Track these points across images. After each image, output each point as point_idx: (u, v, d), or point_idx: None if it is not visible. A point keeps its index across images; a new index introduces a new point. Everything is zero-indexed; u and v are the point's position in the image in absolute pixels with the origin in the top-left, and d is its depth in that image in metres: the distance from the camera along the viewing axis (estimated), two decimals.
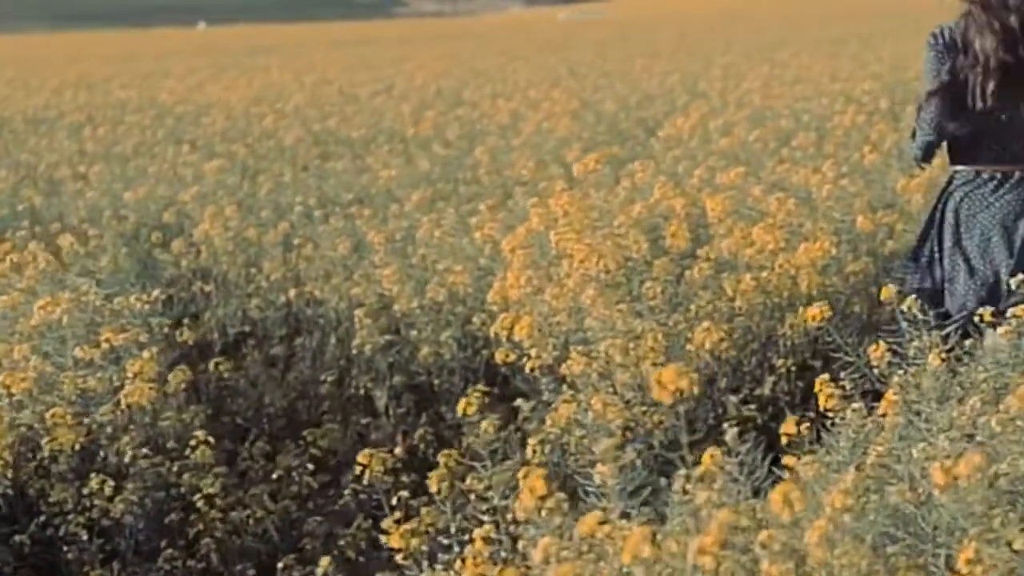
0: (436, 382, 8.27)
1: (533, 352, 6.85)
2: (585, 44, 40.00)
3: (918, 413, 5.26)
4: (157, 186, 11.63)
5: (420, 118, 16.32)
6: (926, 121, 5.64)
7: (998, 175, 5.63)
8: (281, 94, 21.25)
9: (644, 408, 6.53)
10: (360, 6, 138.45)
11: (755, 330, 7.25)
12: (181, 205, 11.08)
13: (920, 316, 5.21)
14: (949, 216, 5.76)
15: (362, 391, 8.37)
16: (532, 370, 6.62)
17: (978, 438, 4.71)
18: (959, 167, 5.72)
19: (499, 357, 6.97)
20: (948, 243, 5.78)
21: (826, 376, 5.54)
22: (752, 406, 6.97)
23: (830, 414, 5.20)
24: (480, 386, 8.01)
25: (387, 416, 8.25)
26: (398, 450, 7.77)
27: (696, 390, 6.70)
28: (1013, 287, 5.25)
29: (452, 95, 19.90)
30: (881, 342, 5.38)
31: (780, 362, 7.23)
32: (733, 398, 7.07)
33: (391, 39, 53.65)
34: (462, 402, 7.18)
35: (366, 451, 5.20)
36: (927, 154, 5.72)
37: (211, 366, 8.53)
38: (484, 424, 7.00)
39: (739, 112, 13.98)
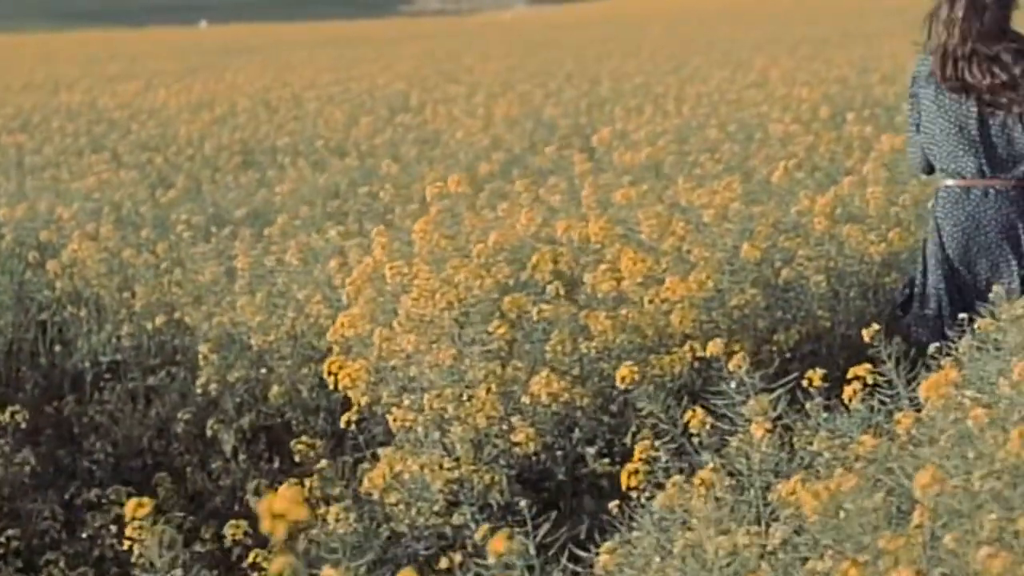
0: (293, 423, 7.61)
1: (363, 400, 6.18)
2: (567, 44, 39.28)
3: (742, 491, 4.61)
4: (39, 201, 10.91)
5: (354, 124, 15.61)
6: (912, 152, 6.47)
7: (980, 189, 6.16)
8: (229, 98, 20.54)
9: (476, 467, 5.83)
10: (366, 5, 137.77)
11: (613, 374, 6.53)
12: (62, 222, 10.38)
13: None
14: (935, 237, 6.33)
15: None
16: (348, 424, 5.94)
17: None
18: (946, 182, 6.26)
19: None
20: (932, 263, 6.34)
21: (646, 443, 4.88)
22: (607, 460, 6.26)
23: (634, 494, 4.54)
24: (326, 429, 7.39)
25: (235, 460, 7.58)
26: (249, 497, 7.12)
27: (534, 445, 6.06)
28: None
29: (400, 99, 19.18)
30: (699, 408, 4.71)
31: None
32: (590, 450, 6.36)
33: (383, 38, 52.97)
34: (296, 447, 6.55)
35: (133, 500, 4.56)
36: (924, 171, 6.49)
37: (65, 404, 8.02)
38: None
39: (666, 121, 13.23)
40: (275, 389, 7.49)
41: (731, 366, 4.71)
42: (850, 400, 4.69)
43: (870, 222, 8.36)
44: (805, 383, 4.83)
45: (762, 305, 7.35)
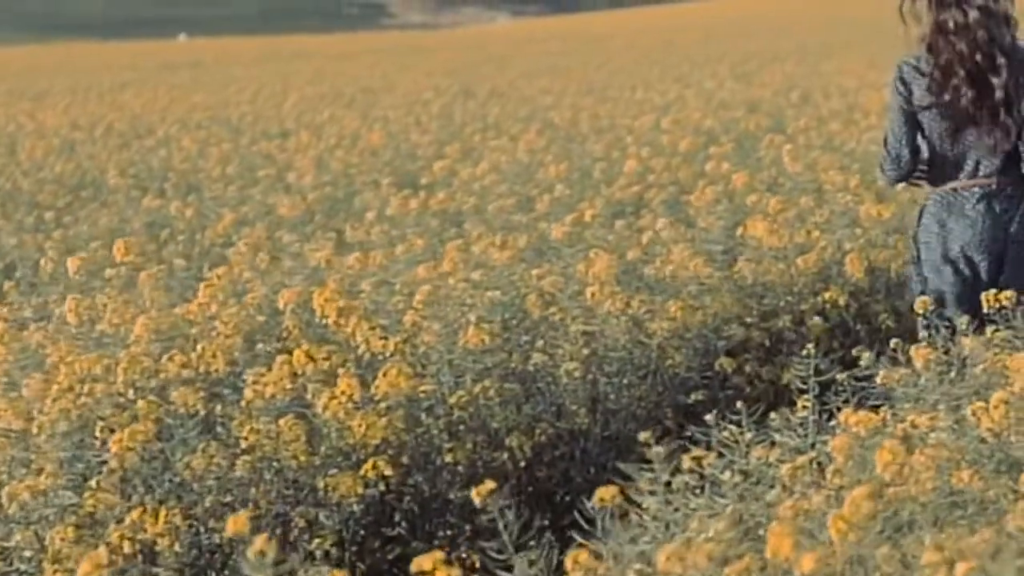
0: None
1: None
2: (527, 56, 38.07)
3: None
4: None
5: (204, 155, 14.23)
6: (893, 149, 5.97)
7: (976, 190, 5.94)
8: (105, 118, 19.24)
9: None
10: (348, 17, 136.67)
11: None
12: None
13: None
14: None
15: None
16: None
17: None
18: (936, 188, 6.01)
19: None
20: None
21: None
22: None
23: None
24: None
25: None
26: None
27: None
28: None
29: (276, 125, 17.80)
30: None
31: None
32: None
33: (339, 53, 51.77)
34: None
35: None
36: (899, 178, 6.06)
37: None
38: None
39: (507, 156, 11.78)
40: None
41: None
42: None
43: (664, 289, 6.99)
44: None
45: (496, 401, 5.96)
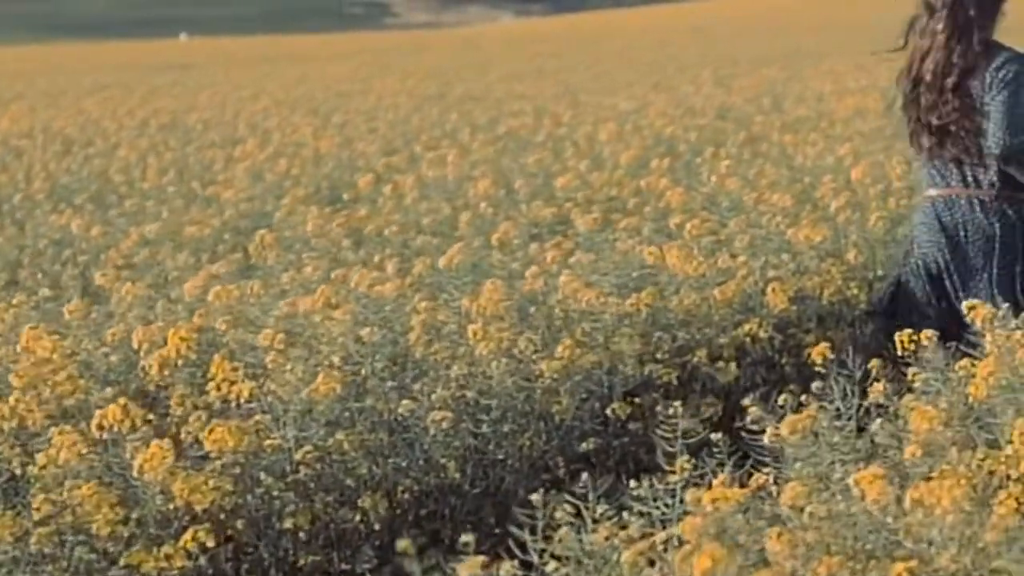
0: None
1: None
2: (517, 58, 37.52)
3: None
4: None
5: (142, 164, 13.63)
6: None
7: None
8: (55, 124, 18.66)
9: None
10: (351, 17, 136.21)
11: None
12: None
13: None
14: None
15: None
16: None
17: None
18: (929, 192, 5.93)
19: None
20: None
21: None
22: None
23: None
24: None
25: None
26: None
27: None
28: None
29: (230, 131, 17.18)
30: None
31: None
32: None
33: (331, 54, 51.25)
34: None
35: None
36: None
37: None
38: None
39: (438, 171, 11.10)
40: None
41: None
42: None
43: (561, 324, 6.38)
44: None
45: (353, 455, 5.37)
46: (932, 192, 5.95)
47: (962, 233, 5.94)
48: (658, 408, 6.69)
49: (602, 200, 9.29)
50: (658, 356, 6.70)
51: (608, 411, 6.12)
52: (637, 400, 6.61)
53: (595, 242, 7.88)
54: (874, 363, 5.56)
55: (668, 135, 13.74)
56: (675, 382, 6.68)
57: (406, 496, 5.53)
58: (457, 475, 5.64)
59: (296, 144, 15.25)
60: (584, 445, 6.03)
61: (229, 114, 20.43)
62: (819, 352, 5.34)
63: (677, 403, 4.71)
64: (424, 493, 5.60)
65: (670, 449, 4.64)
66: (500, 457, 5.84)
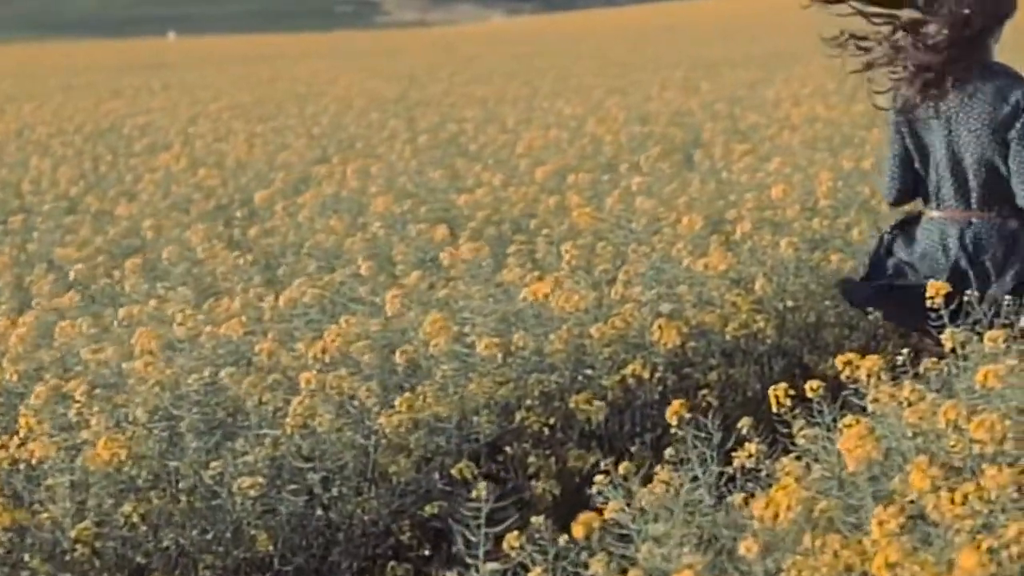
0: None
1: None
2: (493, 58, 36.80)
3: None
4: None
5: (52, 176, 12.92)
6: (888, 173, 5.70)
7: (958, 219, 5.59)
8: None
9: None
10: (340, 15, 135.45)
11: None
12: None
13: None
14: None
15: None
16: None
17: None
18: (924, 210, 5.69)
19: None
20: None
21: None
22: None
23: None
24: None
25: None
26: None
27: None
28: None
29: (163, 138, 16.46)
30: None
31: None
32: None
33: (315, 53, 50.63)
34: None
35: None
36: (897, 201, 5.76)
37: None
38: None
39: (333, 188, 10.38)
40: None
41: None
42: None
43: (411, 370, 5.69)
44: None
45: (144, 528, 4.68)
46: (935, 213, 5.63)
47: (968, 250, 5.61)
48: (530, 460, 6.07)
49: (502, 220, 8.58)
50: (528, 402, 6.03)
51: (455, 471, 5.43)
52: (508, 450, 5.98)
53: (481, 269, 7.19)
54: (745, 421, 4.91)
55: (607, 144, 13.05)
56: (546, 431, 6.01)
57: (208, 574, 4.85)
58: (270, 547, 4.96)
59: (216, 153, 14.51)
60: (428, 508, 5.35)
61: (175, 118, 19.73)
62: (673, 412, 4.64)
63: (483, 485, 4.02)
64: (230, 570, 4.92)
65: (471, 538, 3.97)
66: (325, 525, 5.16)
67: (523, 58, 38.09)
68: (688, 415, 4.71)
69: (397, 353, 5.66)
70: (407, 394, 5.34)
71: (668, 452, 4.59)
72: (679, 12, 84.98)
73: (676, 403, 4.67)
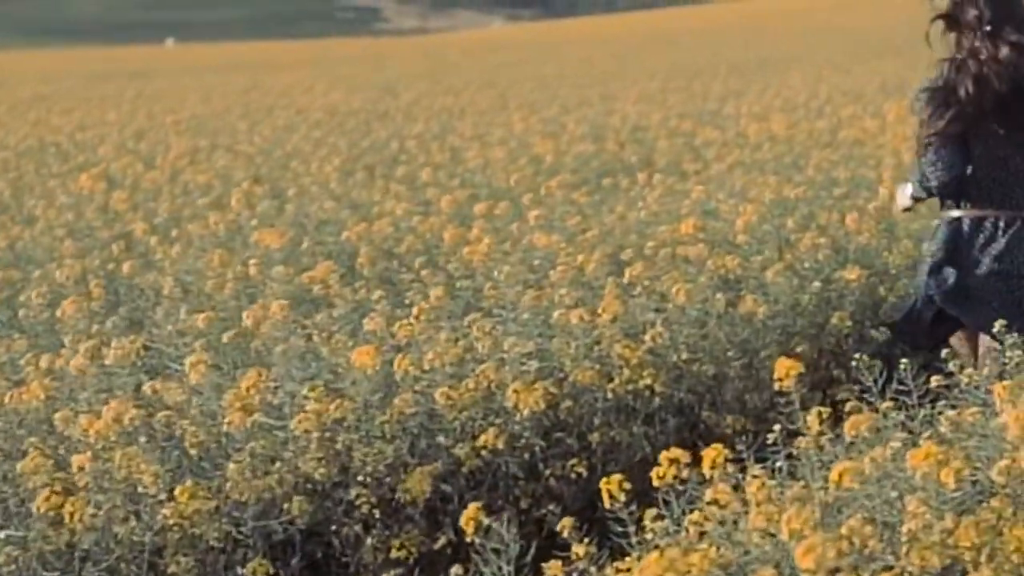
0: None
1: None
2: (477, 67, 36.11)
3: None
4: None
5: None
6: (942, 162, 5.64)
7: (1001, 220, 5.69)
8: None
9: None
10: (342, 22, 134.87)
11: None
12: None
13: None
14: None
15: None
16: None
17: None
18: (957, 212, 5.73)
19: None
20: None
21: None
22: None
23: None
24: None
25: None
26: None
27: None
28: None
29: (91, 156, 15.72)
30: None
31: None
32: None
33: (299, 62, 49.99)
34: None
35: None
36: (945, 193, 5.70)
37: None
38: None
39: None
40: None
41: None
42: None
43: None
44: None
45: None
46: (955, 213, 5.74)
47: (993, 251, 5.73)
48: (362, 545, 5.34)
49: (392, 255, 7.83)
50: (359, 478, 5.29)
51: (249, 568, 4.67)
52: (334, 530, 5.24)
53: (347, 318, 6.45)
54: (566, 522, 4.17)
55: (547, 164, 12.31)
56: (377, 513, 5.26)
57: None
58: None
59: (132, 174, 13.72)
60: None
61: (123, 133, 19.02)
62: (469, 519, 3.88)
63: None
64: None
65: None
66: None
67: (507, 67, 37.42)
68: (494, 517, 3.97)
69: (188, 432, 4.90)
70: (189, 482, 4.58)
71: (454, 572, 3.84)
72: (679, 17, 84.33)
73: (472, 507, 3.90)
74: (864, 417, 4.12)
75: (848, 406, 5.25)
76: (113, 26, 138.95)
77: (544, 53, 45.30)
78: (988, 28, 5.58)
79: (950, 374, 5.35)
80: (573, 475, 5.80)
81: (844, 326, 7.14)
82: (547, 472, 5.91)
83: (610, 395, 6.14)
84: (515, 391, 5.56)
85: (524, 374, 5.76)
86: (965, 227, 5.73)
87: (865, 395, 4.98)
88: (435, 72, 35.78)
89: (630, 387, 6.20)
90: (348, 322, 6.45)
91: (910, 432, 4.96)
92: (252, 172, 13.35)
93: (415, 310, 6.13)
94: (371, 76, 35.25)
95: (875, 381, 5.12)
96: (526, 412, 5.60)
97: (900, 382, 5.18)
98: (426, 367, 5.67)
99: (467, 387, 5.62)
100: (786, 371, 3.98)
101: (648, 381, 6.22)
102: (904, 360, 4.99)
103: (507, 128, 16.53)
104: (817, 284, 7.20)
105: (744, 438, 4.15)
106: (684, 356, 6.48)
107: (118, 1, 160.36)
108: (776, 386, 3.98)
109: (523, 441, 5.74)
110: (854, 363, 5.70)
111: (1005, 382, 5.17)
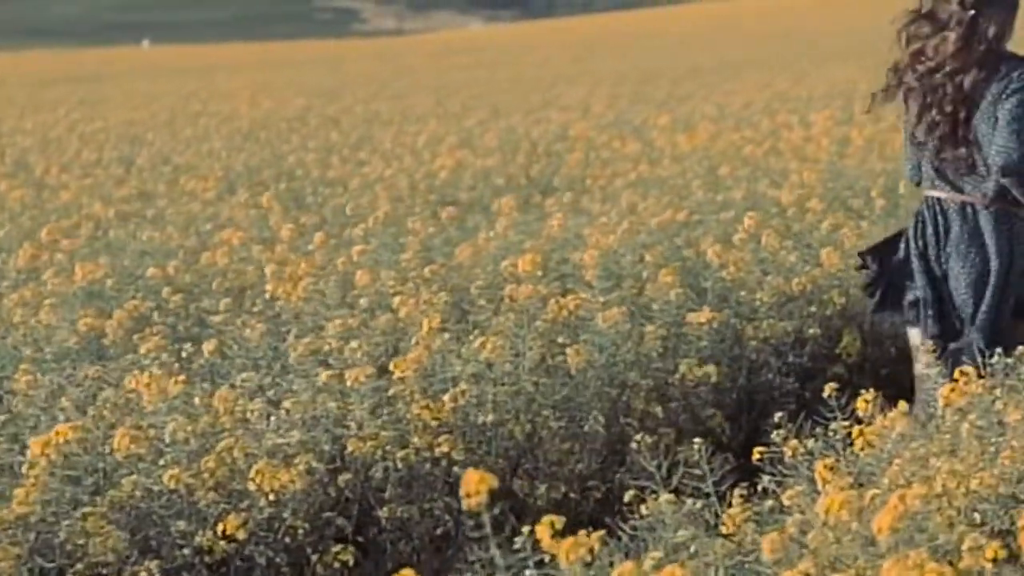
0: None
1: None
2: (432, 71, 35.39)
3: None
4: None
5: None
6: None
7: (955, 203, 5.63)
8: None
9: None
10: (319, 23, 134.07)
11: None
12: None
13: None
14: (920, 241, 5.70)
15: None
16: None
17: None
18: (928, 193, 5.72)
19: None
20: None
21: None
22: None
23: None
24: None
25: None
26: None
27: None
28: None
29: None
30: None
31: None
32: None
33: (258, 63, 49.28)
34: None
35: None
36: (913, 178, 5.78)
37: None
38: None
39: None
40: None
41: None
42: None
43: None
44: None
45: None
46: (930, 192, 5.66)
47: (952, 233, 5.61)
48: None
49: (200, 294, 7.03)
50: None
51: None
52: None
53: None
54: None
55: (441, 182, 11.54)
56: None
57: None
58: None
59: (42, 186, 13.03)
60: None
61: (47, 140, 18.27)
62: None
63: None
64: None
65: None
66: None
67: (461, 69, 36.65)
68: None
69: None
70: None
71: None
72: (654, 19, 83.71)
73: None
74: None
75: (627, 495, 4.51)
76: (90, 27, 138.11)
77: (507, 56, 44.55)
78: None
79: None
80: (337, 564, 5.01)
81: (696, 376, 6.37)
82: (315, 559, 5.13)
83: (400, 464, 5.36)
84: (257, 472, 4.77)
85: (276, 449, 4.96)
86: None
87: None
88: (385, 75, 35.00)
89: (421, 458, 5.43)
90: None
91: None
92: (136, 187, 12.59)
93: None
94: (321, 80, 34.46)
95: (659, 467, 4.38)
96: (268, 497, 4.81)
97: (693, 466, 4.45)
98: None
99: (206, 464, 4.83)
100: (475, 487, 3.16)
101: (444, 449, 5.44)
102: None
103: (425, 137, 15.75)
104: (661, 330, 6.40)
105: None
106: (490, 418, 5.69)
107: (99, 2, 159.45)
108: (464, 504, 3.17)
109: (279, 525, 4.96)
110: (634, 445, 4.97)
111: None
